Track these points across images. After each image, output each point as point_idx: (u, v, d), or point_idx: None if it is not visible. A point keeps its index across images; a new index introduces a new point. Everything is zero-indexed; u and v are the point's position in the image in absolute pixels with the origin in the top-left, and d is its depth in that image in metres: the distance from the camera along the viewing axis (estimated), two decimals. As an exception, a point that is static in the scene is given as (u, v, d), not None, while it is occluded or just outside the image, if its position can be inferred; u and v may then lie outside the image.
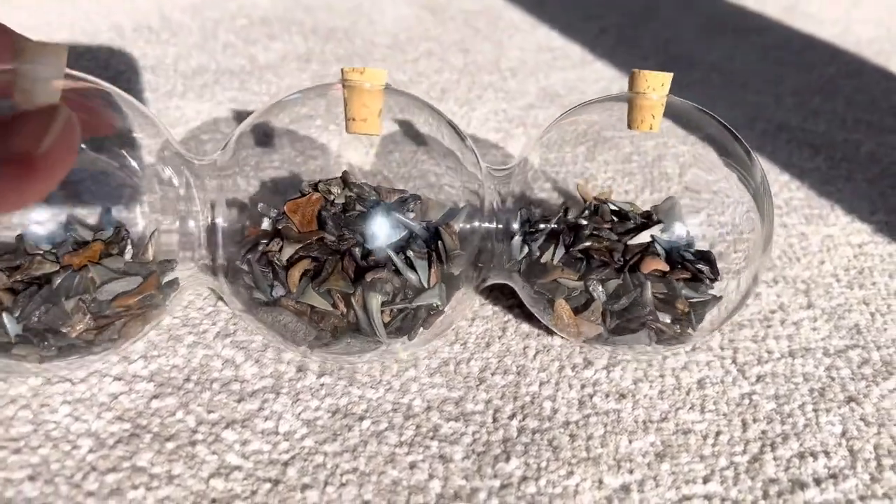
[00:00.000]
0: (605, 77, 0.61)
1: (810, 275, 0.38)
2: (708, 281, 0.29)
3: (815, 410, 0.30)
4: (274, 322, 0.28)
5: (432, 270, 0.28)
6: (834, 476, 0.27)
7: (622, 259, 0.29)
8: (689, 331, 0.29)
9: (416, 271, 0.28)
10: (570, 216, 0.31)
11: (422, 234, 0.28)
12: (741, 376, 0.31)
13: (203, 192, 0.28)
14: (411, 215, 0.29)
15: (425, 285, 0.28)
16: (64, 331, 0.25)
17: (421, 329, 0.29)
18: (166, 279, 0.28)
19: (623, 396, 0.30)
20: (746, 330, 0.34)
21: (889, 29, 0.81)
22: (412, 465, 0.26)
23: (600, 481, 0.26)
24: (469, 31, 0.67)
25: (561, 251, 0.29)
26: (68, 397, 0.28)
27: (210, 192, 0.28)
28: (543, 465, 0.27)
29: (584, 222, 0.30)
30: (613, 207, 0.32)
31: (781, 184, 0.46)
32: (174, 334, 0.31)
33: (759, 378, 0.31)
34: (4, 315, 0.24)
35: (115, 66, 0.53)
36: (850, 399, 0.30)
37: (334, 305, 0.27)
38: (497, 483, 0.26)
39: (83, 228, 0.27)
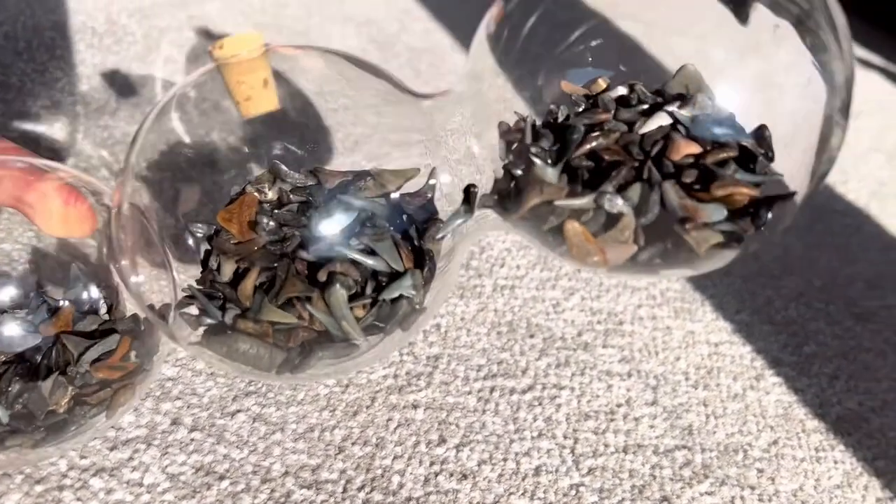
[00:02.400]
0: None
1: (663, 371, 0.42)
2: (763, 159, 0.22)
3: (630, 507, 0.34)
4: (232, 352, 0.25)
5: (402, 253, 0.24)
6: (630, 572, 0.31)
7: (641, 152, 0.22)
8: (749, 230, 0.22)
9: (378, 256, 0.24)
10: (560, 118, 0.24)
11: (380, 211, 0.25)
12: (575, 467, 0.35)
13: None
14: (365, 194, 0.25)
15: (397, 268, 0.24)
16: (50, 410, 0.25)
17: (398, 328, 0.25)
18: (141, 341, 0.27)
19: (465, 477, 0.33)
20: (591, 421, 0.38)
21: (807, 115, 0.87)
22: (259, 529, 0.29)
23: (425, 559, 0.30)
24: (410, 72, 0.70)
25: (550, 165, 0.23)
26: (-52, 432, 0.30)
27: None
28: (378, 538, 0.30)
29: (577, 119, 0.24)
30: (615, 94, 0.24)
31: (662, 273, 0.51)
32: (61, 374, 0.33)
33: (591, 470, 0.35)
34: None
35: (51, 70, 0.54)
36: (664, 498, 0.35)
37: (299, 316, 0.24)
38: (333, 553, 0.29)
39: (53, 288, 0.28)
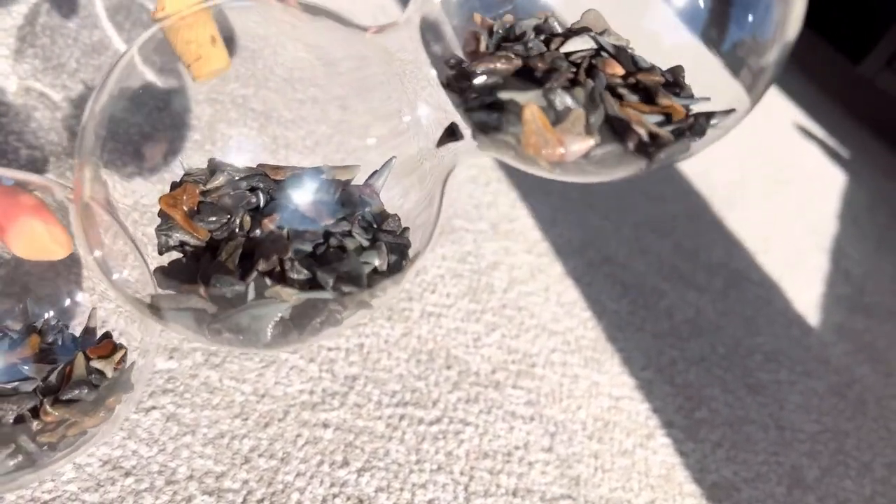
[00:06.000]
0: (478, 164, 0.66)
1: (564, 418, 0.45)
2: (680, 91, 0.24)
3: (510, 549, 0.36)
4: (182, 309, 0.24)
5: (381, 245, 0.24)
6: None
7: (573, 66, 0.23)
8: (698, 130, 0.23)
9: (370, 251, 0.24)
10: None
11: (348, 188, 0.25)
12: (465, 504, 0.37)
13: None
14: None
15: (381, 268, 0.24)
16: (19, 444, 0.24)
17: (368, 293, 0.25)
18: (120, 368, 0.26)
19: (361, 502, 0.35)
20: (489, 461, 0.40)
21: (743, 176, 0.91)
22: (156, 531, 0.30)
23: (311, 578, 0.31)
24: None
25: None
26: None
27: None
28: (269, 553, 0.32)
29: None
30: (531, 23, 0.25)
31: (581, 320, 0.53)
32: (-19, 347, 0.33)
33: (480, 509, 0.37)
34: None
35: (14, 16, 0.53)
36: (542, 545, 0.37)
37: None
38: (224, 562, 0.31)
39: (12, 321, 0.27)
